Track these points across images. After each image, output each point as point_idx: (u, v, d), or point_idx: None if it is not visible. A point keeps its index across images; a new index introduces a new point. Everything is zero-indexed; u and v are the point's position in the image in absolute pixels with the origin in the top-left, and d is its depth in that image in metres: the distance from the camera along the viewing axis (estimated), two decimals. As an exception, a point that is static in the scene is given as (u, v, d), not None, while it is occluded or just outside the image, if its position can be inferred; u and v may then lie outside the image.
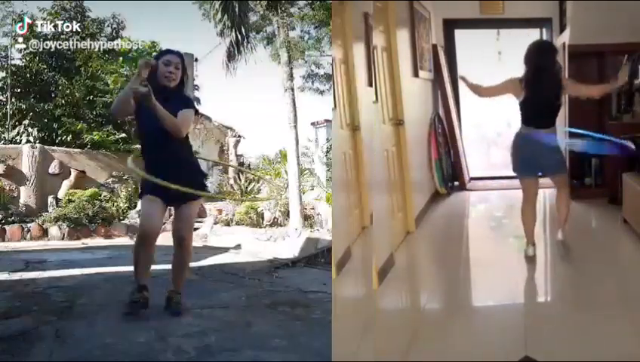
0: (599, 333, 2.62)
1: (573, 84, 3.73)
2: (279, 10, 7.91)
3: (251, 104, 33.63)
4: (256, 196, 9.33)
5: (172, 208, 3.01)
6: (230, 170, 12.09)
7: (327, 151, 8.97)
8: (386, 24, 4.12)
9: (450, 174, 5.88)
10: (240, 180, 10.72)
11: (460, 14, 5.85)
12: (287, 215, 7.98)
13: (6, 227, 7.64)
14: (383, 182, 3.71)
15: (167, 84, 2.81)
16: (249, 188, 10.14)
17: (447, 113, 5.77)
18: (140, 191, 3.01)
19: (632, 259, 3.72)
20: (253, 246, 7.02)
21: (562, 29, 5.28)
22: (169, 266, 3.01)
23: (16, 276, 4.21)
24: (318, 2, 10.71)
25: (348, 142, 4.35)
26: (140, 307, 2.75)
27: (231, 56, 7.81)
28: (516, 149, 3.62)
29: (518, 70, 3.61)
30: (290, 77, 7.89)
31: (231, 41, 7.69)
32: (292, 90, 7.85)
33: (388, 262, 3.49)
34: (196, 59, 12.38)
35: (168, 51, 2.93)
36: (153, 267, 4.04)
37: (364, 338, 2.65)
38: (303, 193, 8.20)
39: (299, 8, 11.36)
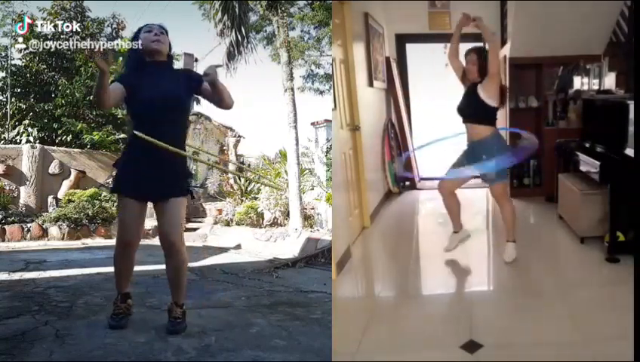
0: (538, 317, 2.83)
1: None
2: (279, 10, 7.90)
3: (251, 104, 33.63)
4: (256, 196, 9.33)
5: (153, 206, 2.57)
6: (230, 170, 12.07)
7: (327, 151, 8.95)
8: (344, 39, 4.40)
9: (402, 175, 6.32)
10: (240, 180, 10.71)
11: (410, 29, 6.36)
12: (287, 215, 7.97)
13: (6, 227, 7.62)
14: (341, 182, 4.04)
15: (157, 47, 2.54)
16: (249, 189, 10.14)
17: (399, 119, 6.27)
18: (113, 186, 2.62)
19: (566, 251, 4.04)
20: (253, 246, 7.03)
21: (504, 43, 5.62)
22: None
23: (16, 276, 4.21)
24: (318, 2, 10.74)
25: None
26: (124, 318, 2.60)
27: (231, 56, 7.79)
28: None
29: None
30: (290, 77, 7.89)
31: (231, 41, 7.67)
32: (292, 90, 7.84)
33: (346, 254, 3.82)
34: (196, 60, 12.36)
35: (144, 26, 2.66)
36: (154, 267, 4.07)
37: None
38: (303, 193, 8.19)
39: (299, 8, 11.41)
